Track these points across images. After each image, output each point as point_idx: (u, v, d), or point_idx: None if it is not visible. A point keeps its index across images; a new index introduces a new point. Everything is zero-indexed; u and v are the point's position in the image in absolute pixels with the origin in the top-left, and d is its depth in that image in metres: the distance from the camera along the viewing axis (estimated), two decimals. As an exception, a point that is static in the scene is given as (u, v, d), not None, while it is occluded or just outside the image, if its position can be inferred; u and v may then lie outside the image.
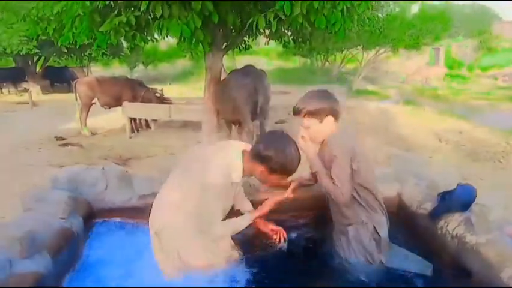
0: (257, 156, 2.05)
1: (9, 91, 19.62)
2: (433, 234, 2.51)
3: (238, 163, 2.07)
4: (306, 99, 2.25)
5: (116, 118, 9.39)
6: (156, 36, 6.38)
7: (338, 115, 2.27)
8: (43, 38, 8.77)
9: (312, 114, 2.20)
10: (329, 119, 2.22)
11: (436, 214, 2.51)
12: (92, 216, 2.72)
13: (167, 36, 5.20)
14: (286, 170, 2.08)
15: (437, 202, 2.55)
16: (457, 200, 2.39)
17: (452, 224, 2.36)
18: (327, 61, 23.55)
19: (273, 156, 2.01)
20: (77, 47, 6.86)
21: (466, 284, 2.13)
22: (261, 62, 23.17)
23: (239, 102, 6.32)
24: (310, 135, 2.26)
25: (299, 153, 2.09)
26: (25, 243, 1.87)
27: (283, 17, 4.41)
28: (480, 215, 2.29)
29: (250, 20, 4.59)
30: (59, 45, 5.61)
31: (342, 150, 2.16)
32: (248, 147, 2.16)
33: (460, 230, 2.29)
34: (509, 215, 2.54)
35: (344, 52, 20.39)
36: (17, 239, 1.84)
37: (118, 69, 26.60)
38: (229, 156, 2.07)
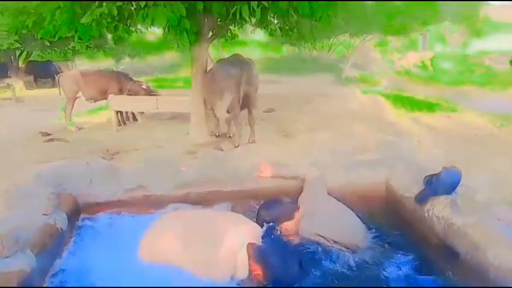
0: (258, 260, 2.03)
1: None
2: (420, 217, 2.52)
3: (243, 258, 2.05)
4: None
5: (102, 112, 9.26)
6: (140, 27, 6.27)
7: None
8: (24, 32, 8.57)
9: None
10: None
11: (423, 198, 2.52)
12: (77, 211, 2.68)
13: (151, 26, 5.09)
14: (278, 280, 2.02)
15: (424, 186, 2.56)
16: (443, 182, 2.40)
17: (438, 207, 2.37)
18: (315, 49, 23.46)
19: (272, 269, 2.00)
20: (58, 40, 6.69)
21: (455, 266, 2.14)
22: (249, 51, 22.99)
23: (228, 92, 6.25)
24: None
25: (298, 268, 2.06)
26: (7, 241, 1.83)
27: (266, 5, 4.35)
28: (466, 196, 2.30)
29: (234, 8, 4.52)
30: (39, 38, 5.47)
31: None
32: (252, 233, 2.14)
33: (446, 212, 2.30)
34: (496, 197, 2.55)
35: (331, 39, 20.31)
36: (-3, 237, 1.80)
37: (103, 62, 26.20)
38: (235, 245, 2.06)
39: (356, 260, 2.27)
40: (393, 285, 2.15)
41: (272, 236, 2.19)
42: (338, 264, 2.24)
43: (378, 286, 2.17)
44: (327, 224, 2.40)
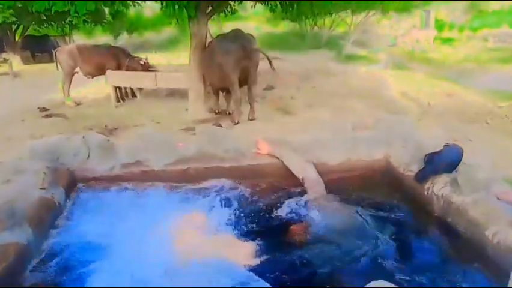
0: None
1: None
2: (420, 195, 2.51)
3: None
4: None
5: (101, 87, 9.15)
6: (138, 1, 6.11)
7: None
8: (19, 5, 8.36)
9: None
10: None
11: (423, 176, 2.50)
12: (74, 185, 2.66)
13: (145, 1, 4.96)
14: None
15: (424, 164, 2.54)
16: (444, 160, 2.38)
17: (438, 185, 2.36)
18: (316, 25, 23.07)
19: None
20: (55, 14, 6.53)
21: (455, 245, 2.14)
22: (249, 27, 22.63)
23: (226, 69, 6.13)
24: None
25: None
26: (2, 215, 1.81)
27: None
28: (466, 175, 2.28)
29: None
30: (35, 12, 5.33)
31: None
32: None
33: (446, 190, 2.29)
34: (496, 175, 2.53)
35: (333, 16, 19.94)
36: (-7, 211, 1.79)
37: (101, 37, 25.81)
38: None
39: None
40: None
41: None
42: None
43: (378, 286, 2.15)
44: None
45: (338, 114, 6.02)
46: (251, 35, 6.35)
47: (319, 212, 2.43)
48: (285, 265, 2.02)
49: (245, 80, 6.33)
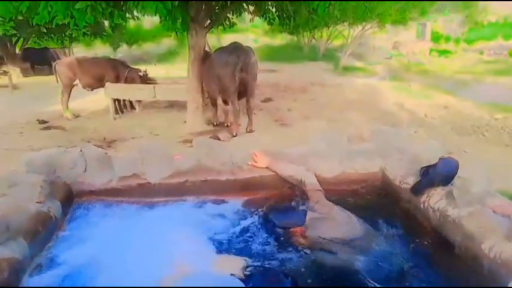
0: None
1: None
2: (416, 208, 2.52)
3: None
4: None
5: (99, 99, 9.19)
6: (136, 14, 6.18)
7: None
8: (20, 18, 8.42)
9: None
10: None
11: (419, 188, 2.51)
12: (71, 199, 2.66)
13: (144, 15, 5.03)
14: None
15: (420, 176, 2.55)
16: (439, 173, 2.39)
17: (434, 198, 2.36)
18: (314, 38, 23.29)
19: None
20: (55, 27, 6.59)
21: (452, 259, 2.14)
22: (247, 39, 22.82)
23: (225, 81, 6.19)
24: None
25: None
26: (-2, 229, 1.81)
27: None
28: (462, 188, 2.28)
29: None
30: (35, 25, 5.38)
31: None
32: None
33: (442, 203, 2.29)
34: (492, 187, 2.54)
35: (330, 29, 20.16)
36: (-12, 225, 1.78)
37: (101, 49, 25.98)
38: None
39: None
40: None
41: None
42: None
43: (379, 286, 2.15)
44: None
45: (334, 126, 6.06)
46: (250, 48, 6.42)
47: (319, 217, 2.42)
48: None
49: (244, 92, 6.39)
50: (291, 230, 2.41)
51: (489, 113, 7.65)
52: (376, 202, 2.80)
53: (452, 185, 2.37)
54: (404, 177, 2.73)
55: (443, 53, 23.42)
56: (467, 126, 6.73)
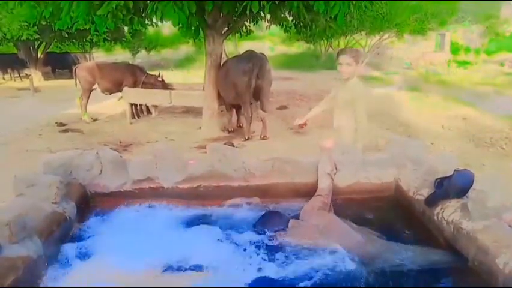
0: None
1: (11, 77, 19.61)
2: (429, 220, 2.48)
3: None
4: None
5: (117, 104, 9.35)
6: (155, 21, 6.30)
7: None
8: (43, 23, 8.66)
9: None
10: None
11: (433, 200, 2.47)
12: (86, 200, 2.70)
13: (162, 22, 5.12)
14: None
15: (434, 188, 2.51)
16: (454, 185, 2.35)
17: (448, 210, 2.32)
18: (331, 47, 23.28)
19: None
20: (76, 32, 6.77)
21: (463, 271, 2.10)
22: (264, 47, 22.94)
23: (240, 88, 6.26)
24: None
25: None
26: (14, 227, 1.85)
27: (276, 2, 4.35)
28: (477, 201, 2.24)
29: (244, 3, 4.51)
30: (56, 29, 5.54)
31: None
32: None
33: (456, 216, 2.25)
34: (508, 201, 2.49)
35: (347, 38, 20.12)
36: (5, 223, 1.82)
37: (120, 55, 26.50)
38: None
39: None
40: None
41: None
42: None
43: (378, 286, 2.14)
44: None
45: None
46: (263, 55, 6.49)
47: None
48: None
49: (258, 98, 6.47)
50: (291, 221, 2.48)
51: (509, 125, 7.49)
52: (389, 213, 2.76)
53: (467, 197, 2.33)
54: (418, 188, 2.69)
55: (463, 64, 23.08)
56: (485, 139, 6.60)
